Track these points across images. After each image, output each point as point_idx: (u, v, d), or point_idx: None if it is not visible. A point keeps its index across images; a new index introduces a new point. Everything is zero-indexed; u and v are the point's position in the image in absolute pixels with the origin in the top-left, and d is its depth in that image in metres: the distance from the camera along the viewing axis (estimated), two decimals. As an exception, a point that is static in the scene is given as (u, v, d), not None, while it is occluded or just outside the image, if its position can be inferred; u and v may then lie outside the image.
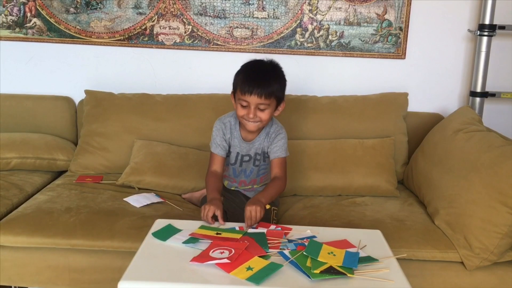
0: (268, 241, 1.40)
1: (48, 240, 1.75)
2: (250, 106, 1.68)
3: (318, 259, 1.29)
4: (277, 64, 1.76)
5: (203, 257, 1.30)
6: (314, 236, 1.46)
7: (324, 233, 1.49)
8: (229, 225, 1.53)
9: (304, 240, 1.42)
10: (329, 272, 1.24)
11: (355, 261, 1.30)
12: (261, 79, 1.67)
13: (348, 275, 1.25)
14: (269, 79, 1.69)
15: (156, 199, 1.97)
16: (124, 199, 1.96)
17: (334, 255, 1.32)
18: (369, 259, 1.34)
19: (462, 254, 1.73)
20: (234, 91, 1.76)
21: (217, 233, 1.46)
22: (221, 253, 1.31)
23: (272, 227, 1.52)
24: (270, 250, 1.36)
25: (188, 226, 1.52)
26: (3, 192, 2.01)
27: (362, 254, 1.37)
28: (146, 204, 1.92)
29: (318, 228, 1.55)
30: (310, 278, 1.23)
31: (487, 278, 1.75)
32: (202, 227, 1.51)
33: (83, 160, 2.28)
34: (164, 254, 1.34)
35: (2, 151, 2.23)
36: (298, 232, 1.50)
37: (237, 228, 1.50)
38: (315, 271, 1.24)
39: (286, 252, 1.34)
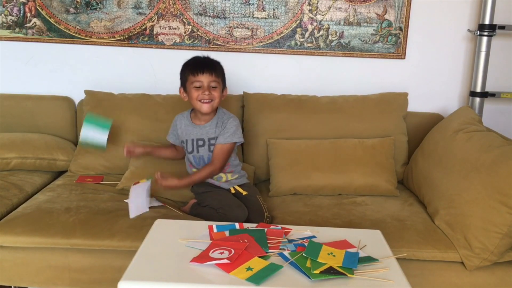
0: (268, 241, 1.40)
1: (48, 240, 1.75)
2: (203, 85, 1.91)
3: (318, 260, 1.29)
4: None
5: (203, 258, 1.30)
6: (314, 236, 1.46)
7: (323, 233, 1.49)
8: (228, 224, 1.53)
9: (304, 240, 1.42)
10: (329, 273, 1.25)
11: (355, 261, 1.30)
12: (208, 62, 1.96)
13: (348, 275, 1.25)
14: (214, 63, 1.97)
15: (156, 203, 1.96)
16: (125, 200, 1.94)
17: (334, 255, 1.32)
18: (369, 259, 1.34)
19: (462, 254, 1.73)
20: (183, 83, 1.98)
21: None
22: (221, 253, 1.31)
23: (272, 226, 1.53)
24: (270, 250, 1.36)
25: (188, 226, 1.52)
26: (3, 192, 2.01)
27: (362, 254, 1.37)
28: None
29: (318, 228, 1.55)
30: (310, 278, 1.23)
31: (487, 278, 1.75)
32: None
33: (83, 160, 2.28)
34: (164, 254, 1.34)
35: (2, 151, 2.23)
36: (298, 232, 1.50)
37: (237, 227, 1.51)
38: (315, 272, 1.24)
39: (286, 253, 1.34)
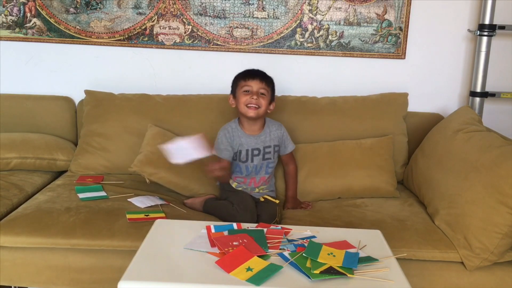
0: (268, 241, 1.40)
1: (48, 240, 1.75)
2: (252, 90, 1.97)
3: (318, 260, 1.29)
4: None
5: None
6: (314, 236, 1.46)
7: (323, 233, 1.49)
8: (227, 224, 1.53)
9: (304, 240, 1.42)
10: (329, 273, 1.25)
11: (355, 261, 1.30)
12: (261, 72, 2.04)
13: (348, 275, 1.25)
14: (267, 75, 2.05)
15: (160, 201, 1.96)
16: (128, 199, 1.96)
17: (334, 255, 1.32)
18: (369, 259, 1.34)
19: (462, 254, 1.73)
20: (234, 89, 2.04)
21: (145, 215, 1.81)
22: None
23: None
24: (269, 250, 1.36)
25: (188, 226, 1.52)
26: (3, 192, 2.01)
27: (362, 254, 1.37)
28: (150, 205, 1.92)
29: (318, 228, 1.55)
30: (310, 278, 1.23)
31: (487, 278, 1.75)
32: (129, 212, 1.83)
33: (83, 161, 2.28)
34: (164, 254, 1.34)
35: (2, 151, 2.23)
36: (298, 232, 1.50)
37: (235, 227, 1.51)
38: (315, 272, 1.24)
39: (286, 253, 1.34)
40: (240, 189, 2.06)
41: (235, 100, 2.03)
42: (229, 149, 2.02)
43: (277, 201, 2.04)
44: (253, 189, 2.07)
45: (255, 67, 2.51)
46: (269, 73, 2.51)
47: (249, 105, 1.96)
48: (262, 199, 2.04)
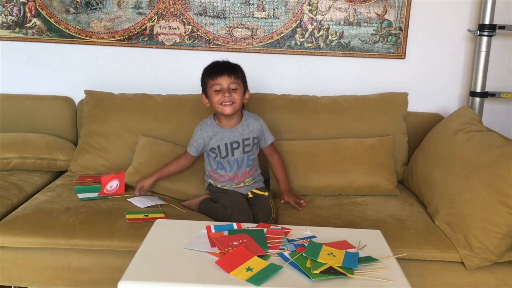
0: (268, 241, 1.40)
1: (48, 240, 1.75)
2: (223, 87, 1.90)
3: (318, 260, 1.29)
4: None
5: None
6: (314, 236, 1.47)
7: (324, 233, 1.49)
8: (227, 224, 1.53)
9: (304, 240, 1.42)
10: (329, 273, 1.25)
11: (355, 261, 1.30)
12: (226, 64, 1.97)
13: (348, 275, 1.25)
14: (233, 65, 1.98)
15: (159, 201, 1.97)
16: (128, 199, 1.96)
17: (334, 255, 1.32)
18: (369, 259, 1.34)
19: (462, 254, 1.73)
20: (204, 89, 1.98)
21: (145, 215, 1.81)
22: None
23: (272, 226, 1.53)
24: (269, 250, 1.36)
25: (188, 226, 1.52)
26: (3, 192, 2.01)
27: (362, 254, 1.37)
28: (150, 205, 1.92)
29: (318, 228, 1.55)
30: (310, 278, 1.23)
31: (487, 278, 1.75)
32: (128, 212, 1.83)
33: (83, 160, 2.28)
34: (164, 254, 1.34)
35: (2, 151, 2.23)
36: (298, 232, 1.50)
37: (235, 227, 1.50)
38: (315, 272, 1.24)
39: (286, 253, 1.34)
40: (226, 187, 2.03)
41: (208, 99, 1.97)
42: (199, 148, 2.01)
43: (266, 193, 2.02)
44: (238, 184, 2.03)
45: (255, 67, 2.53)
46: (269, 73, 2.54)
47: (223, 103, 1.91)
48: (250, 195, 2.02)
